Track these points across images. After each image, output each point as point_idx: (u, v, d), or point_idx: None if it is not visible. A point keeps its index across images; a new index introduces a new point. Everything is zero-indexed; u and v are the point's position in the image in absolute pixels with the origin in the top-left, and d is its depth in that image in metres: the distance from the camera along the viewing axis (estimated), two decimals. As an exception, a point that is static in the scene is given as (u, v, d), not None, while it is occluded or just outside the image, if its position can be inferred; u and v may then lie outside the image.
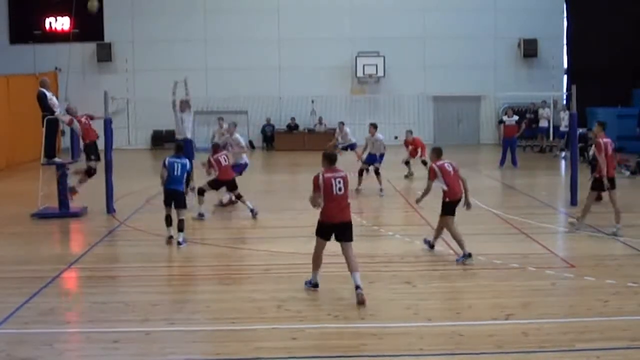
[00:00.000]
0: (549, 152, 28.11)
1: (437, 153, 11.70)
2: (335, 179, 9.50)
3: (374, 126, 18.75)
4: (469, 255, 11.18)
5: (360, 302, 9.17)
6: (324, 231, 9.66)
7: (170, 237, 12.79)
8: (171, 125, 31.50)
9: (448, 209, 11.49)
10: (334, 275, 10.49)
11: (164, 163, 12.87)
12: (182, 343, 8.19)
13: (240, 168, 17.04)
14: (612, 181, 13.27)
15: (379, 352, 7.71)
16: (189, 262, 11.88)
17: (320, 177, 9.51)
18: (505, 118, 24.26)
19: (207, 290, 10.38)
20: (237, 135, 17.38)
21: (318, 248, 9.79)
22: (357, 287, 9.35)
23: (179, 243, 12.53)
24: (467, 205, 11.58)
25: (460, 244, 11.31)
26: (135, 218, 15.40)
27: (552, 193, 18.58)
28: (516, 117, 24.44)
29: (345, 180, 9.61)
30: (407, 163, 21.41)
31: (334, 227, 9.58)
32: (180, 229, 12.64)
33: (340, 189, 9.49)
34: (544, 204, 16.55)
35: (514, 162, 23.51)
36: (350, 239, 9.62)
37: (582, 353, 7.54)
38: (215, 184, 15.58)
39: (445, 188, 11.44)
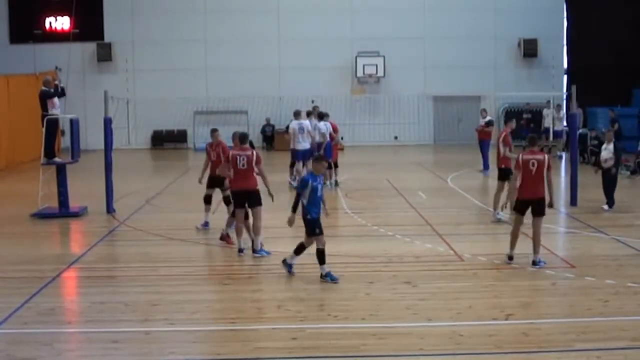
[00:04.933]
0: (548, 152, 28.04)
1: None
2: (240, 156, 11.81)
3: None
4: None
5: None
6: (236, 200, 11.86)
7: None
8: (170, 125, 32.18)
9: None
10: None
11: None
12: (182, 343, 8.19)
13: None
14: None
15: (379, 352, 7.71)
16: (189, 262, 11.87)
17: (230, 153, 12.04)
18: (481, 120, 23.96)
19: (207, 290, 10.39)
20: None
21: (238, 218, 11.79)
22: (256, 251, 11.68)
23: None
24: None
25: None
26: (135, 218, 15.39)
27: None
28: (488, 118, 24.02)
29: (248, 158, 11.77)
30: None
31: (242, 194, 11.74)
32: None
33: (243, 165, 11.76)
34: (544, 204, 16.49)
35: (485, 166, 22.06)
36: (255, 205, 11.73)
37: (582, 353, 7.54)
38: None
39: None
